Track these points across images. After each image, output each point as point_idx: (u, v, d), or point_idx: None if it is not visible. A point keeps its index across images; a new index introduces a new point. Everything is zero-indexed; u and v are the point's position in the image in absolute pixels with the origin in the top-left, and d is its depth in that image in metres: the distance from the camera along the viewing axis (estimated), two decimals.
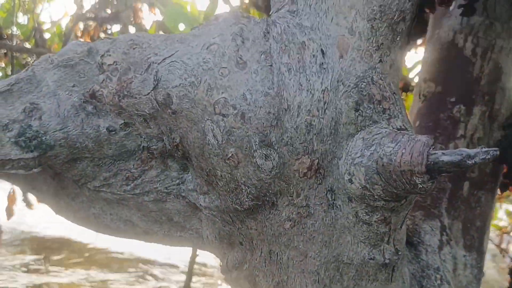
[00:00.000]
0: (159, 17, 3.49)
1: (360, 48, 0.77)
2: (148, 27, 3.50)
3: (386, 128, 0.76)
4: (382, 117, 0.77)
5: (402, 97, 0.88)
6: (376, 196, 0.73)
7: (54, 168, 0.91)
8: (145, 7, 3.34)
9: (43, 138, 0.84)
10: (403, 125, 0.77)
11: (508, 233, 4.51)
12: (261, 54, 0.76)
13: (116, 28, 3.22)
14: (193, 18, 2.27)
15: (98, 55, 0.86)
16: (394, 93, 0.79)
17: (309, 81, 0.75)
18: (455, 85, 1.08)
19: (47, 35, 3.72)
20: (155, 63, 0.81)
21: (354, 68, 0.77)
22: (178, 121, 0.80)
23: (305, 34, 0.78)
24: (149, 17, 3.39)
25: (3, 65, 3.63)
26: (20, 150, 0.84)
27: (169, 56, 0.80)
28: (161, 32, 3.35)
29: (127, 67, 0.84)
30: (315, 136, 0.75)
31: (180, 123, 0.80)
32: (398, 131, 0.75)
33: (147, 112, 0.82)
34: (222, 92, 0.74)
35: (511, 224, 4.61)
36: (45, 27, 3.70)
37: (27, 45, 3.49)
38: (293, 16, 0.80)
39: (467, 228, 1.06)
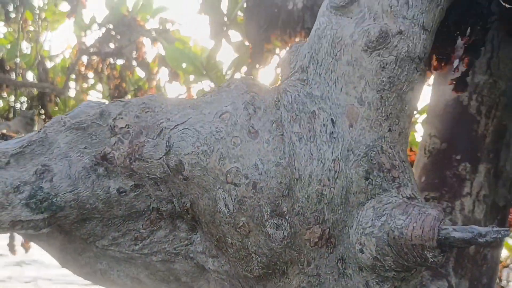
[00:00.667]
0: (161, 50, 3.54)
1: (369, 117, 0.79)
2: (149, 59, 3.55)
3: (395, 196, 0.77)
4: (392, 186, 0.78)
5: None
6: (387, 267, 0.74)
7: (62, 227, 0.91)
8: (147, 41, 3.39)
9: (53, 199, 0.84)
10: (413, 193, 0.78)
11: (507, 266, 4.48)
12: (273, 123, 0.77)
13: (119, 62, 3.27)
14: (195, 57, 2.30)
15: (110, 118, 0.87)
16: (403, 161, 0.80)
17: (319, 150, 0.76)
18: (461, 143, 1.10)
19: (49, 63, 3.77)
20: (168, 128, 0.82)
21: (363, 137, 0.78)
22: (189, 187, 0.80)
23: (315, 103, 0.79)
24: (152, 50, 3.42)
25: (5, 94, 3.64)
26: (31, 211, 0.84)
27: (182, 123, 0.81)
28: (163, 67, 3.40)
29: (139, 130, 0.85)
30: (326, 205, 0.75)
31: (191, 189, 0.80)
32: (408, 201, 0.75)
33: (158, 175, 0.83)
34: (234, 162, 0.75)
35: (510, 258, 4.58)
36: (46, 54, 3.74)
37: (30, 74, 3.53)
38: (303, 85, 0.82)
39: (474, 286, 1.06)
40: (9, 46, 3.39)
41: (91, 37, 3.16)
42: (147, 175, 0.84)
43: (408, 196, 0.78)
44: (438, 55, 1.03)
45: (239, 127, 0.77)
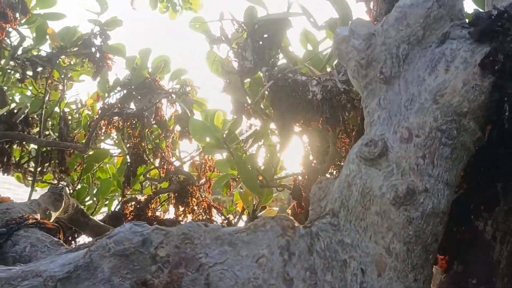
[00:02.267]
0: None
1: (396, 268, 0.84)
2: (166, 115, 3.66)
3: None
4: None
5: None
6: None
7: None
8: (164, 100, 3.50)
9: None
10: None
11: None
12: (307, 271, 0.83)
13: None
14: (216, 130, 2.39)
15: (152, 247, 0.93)
16: None
17: None
18: (476, 267, 1.15)
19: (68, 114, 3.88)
20: (206, 265, 0.88)
21: (391, 286, 0.84)
22: None
23: (347, 251, 0.85)
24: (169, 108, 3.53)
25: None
26: None
27: (221, 263, 0.87)
28: (177, 127, 3.49)
29: (179, 261, 0.91)
30: None
31: None
32: None
33: None
34: None
35: None
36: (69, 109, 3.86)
37: (51, 130, 3.64)
38: (335, 231, 0.88)
39: None
40: (32, 99, 3.52)
41: (113, 96, 3.27)
42: None
43: None
44: None
45: (275, 273, 0.83)
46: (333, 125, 1.96)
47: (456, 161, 0.88)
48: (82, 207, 2.31)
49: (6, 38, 3.11)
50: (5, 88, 3.27)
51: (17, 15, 3.09)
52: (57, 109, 3.68)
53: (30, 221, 1.39)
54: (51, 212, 1.74)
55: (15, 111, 3.28)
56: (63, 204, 1.85)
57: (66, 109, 3.85)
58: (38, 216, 1.53)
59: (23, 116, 3.07)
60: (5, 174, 3.08)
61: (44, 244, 1.38)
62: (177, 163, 3.53)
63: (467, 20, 0.97)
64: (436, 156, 0.86)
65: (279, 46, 2.18)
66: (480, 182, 0.99)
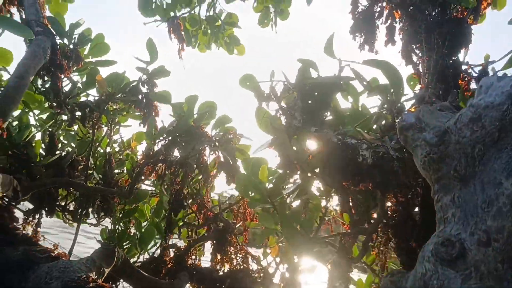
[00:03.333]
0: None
1: None
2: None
3: None
4: None
5: None
6: None
7: None
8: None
9: None
10: None
11: None
12: None
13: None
14: (261, 185, 2.42)
15: None
16: None
17: None
18: None
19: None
20: None
21: None
22: None
23: None
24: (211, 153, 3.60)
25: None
26: None
27: None
28: (219, 172, 3.53)
29: None
30: None
31: None
32: None
33: None
34: None
35: None
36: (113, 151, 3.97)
37: (94, 170, 3.73)
38: None
39: None
40: (78, 141, 3.64)
41: (158, 143, 3.36)
42: None
43: None
44: None
45: None
46: (383, 189, 1.97)
47: None
48: (127, 257, 2.34)
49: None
50: (54, 131, 3.39)
51: (71, 64, 3.25)
52: (99, 148, 3.80)
53: (91, 284, 1.43)
54: (104, 269, 1.78)
55: (63, 153, 3.40)
56: (115, 259, 1.89)
57: (108, 148, 3.97)
58: (95, 276, 1.57)
59: (70, 160, 3.18)
60: (48, 216, 3.17)
61: None
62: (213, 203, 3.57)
63: None
64: None
65: (328, 106, 2.22)
66: None
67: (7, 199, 1.96)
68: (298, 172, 2.40)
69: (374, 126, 2.25)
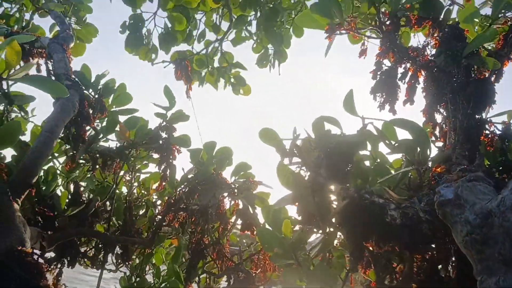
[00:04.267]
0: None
1: None
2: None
3: None
4: None
5: None
6: None
7: None
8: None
9: None
10: None
11: None
12: None
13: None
14: (284, 240, 2.42)
15: None
16: None
17: None
18: None
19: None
20: None
21: None
22: None
23: None
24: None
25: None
26: None
27: None
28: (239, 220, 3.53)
29: None
30: None
31: None
32: None
33: None
34: None
35: None
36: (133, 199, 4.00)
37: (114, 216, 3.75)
38: None
39: None
40: (99, 187, 3.68)
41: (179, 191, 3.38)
42: None
43: None
44: None
45: None
46: (411, 250, 1.96)
47: None
48: None
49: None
50: (78, 180, 3.44)
51: (96, 114, 3.33)
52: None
53: None
54: None
55: (84, 198, 3.44)
56: None
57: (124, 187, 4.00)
58: None
59: (93, 209, 3.21)
60: (70, 267, 3.17)
61: None
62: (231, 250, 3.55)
63: None
64: None
65: (352, 162, 2.24)
66: None
67: (36, 254, 1.98)
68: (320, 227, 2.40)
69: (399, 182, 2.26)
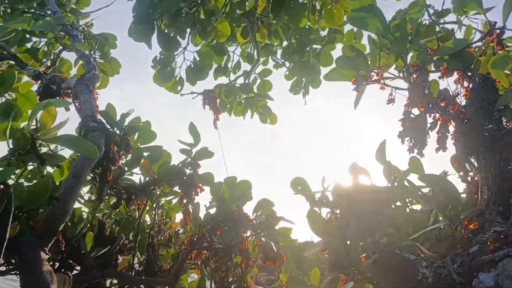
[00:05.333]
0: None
1: None
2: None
3: None
4: None
5: None
6: None
7: None
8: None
9: None
10: None
11: None
12: None
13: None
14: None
15: None
16: None
17: None
18: None
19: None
20: None
21: None
22: None
23: None
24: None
25: None
26: None
27: None
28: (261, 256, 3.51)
29: None
30: None
31: None
32: None
33: None
34: None
35: None
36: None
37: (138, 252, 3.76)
38: None
39: None
40: (123, 221, 3.70)
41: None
42: None
43: None
44: None
45: None
46: None
47: None
48: None
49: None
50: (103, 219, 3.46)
51: (121, 153, 3.36)
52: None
53: None
54: None
55: (109, 236, 3.45)
56: None
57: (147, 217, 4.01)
58: None
59: (118, 247, 3.22)
60: None
61: None
62: None
63: None
64: None
65: (383, 216, 2.21)
66: None
67: None
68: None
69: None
